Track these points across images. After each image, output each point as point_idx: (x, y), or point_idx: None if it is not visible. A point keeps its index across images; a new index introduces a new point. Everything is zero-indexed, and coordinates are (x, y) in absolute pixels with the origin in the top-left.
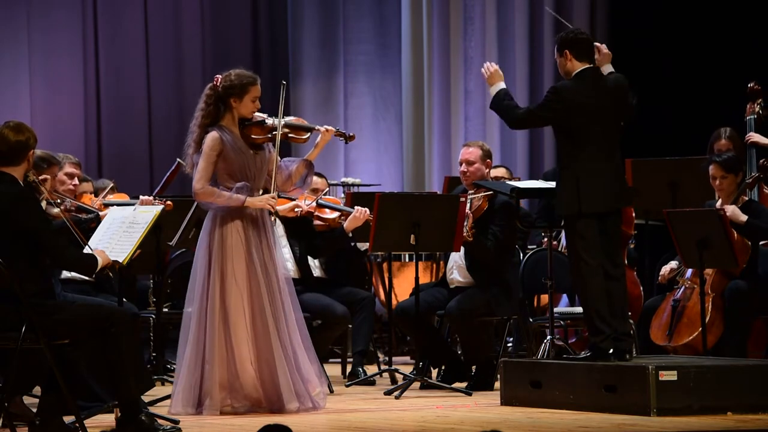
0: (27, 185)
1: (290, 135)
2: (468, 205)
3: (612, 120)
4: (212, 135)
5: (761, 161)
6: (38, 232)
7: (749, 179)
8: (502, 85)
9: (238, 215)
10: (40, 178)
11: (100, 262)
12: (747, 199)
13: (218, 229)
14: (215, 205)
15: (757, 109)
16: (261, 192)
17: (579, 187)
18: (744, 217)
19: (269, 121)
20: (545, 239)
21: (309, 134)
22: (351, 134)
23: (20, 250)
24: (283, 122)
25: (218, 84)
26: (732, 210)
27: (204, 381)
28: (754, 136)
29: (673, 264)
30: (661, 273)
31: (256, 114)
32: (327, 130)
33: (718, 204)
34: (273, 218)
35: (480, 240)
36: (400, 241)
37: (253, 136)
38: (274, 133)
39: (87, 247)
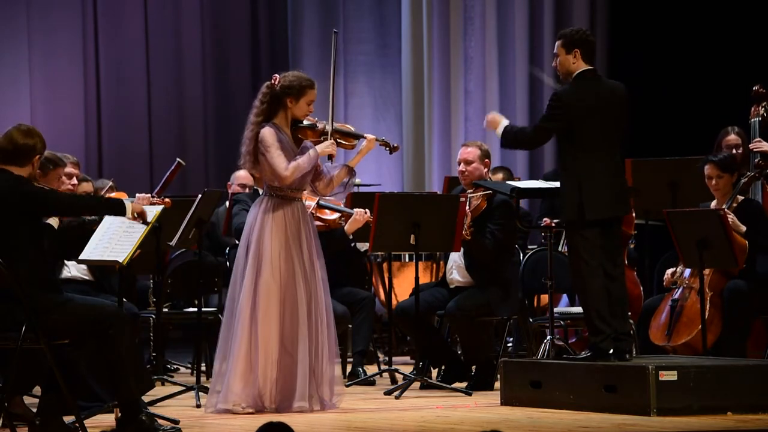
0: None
1: (340, 141)
2: (467, 204)
3: (611, 121)
4: (268, 129)
5: (756, 160)
6: (49, 197)
7: (745, 178)
8: (504, 123)
9: (281, 213)
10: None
11: (129, 206)
12: (743, 198)
13: (259, 226)
14: (304, 173)
15: (761, 112)
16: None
17: (581, 193)
18: (743, 228)
19: (320, 125)
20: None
21: (357, 141)
22: (395, 144)
23: (26, 239)
24: (333, 127)
25: (276, 83)
26: (732, 221)
27: (226, 375)
28: (764, 146)
29: (679, 268)
30: (665, 277)
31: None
32: (371, 140)
33: (713, 204)
34: (331, 162)
35: (478, 239)
36: (400, 241)
37: (306, 139)
38: (324, 137)
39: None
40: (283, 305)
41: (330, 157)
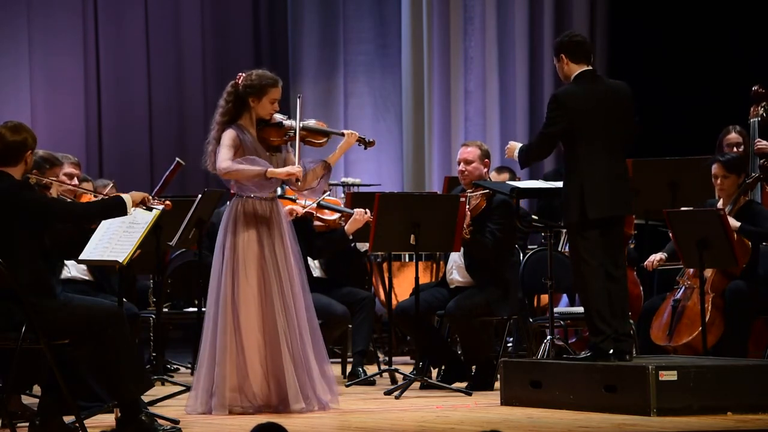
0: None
1: (307, 138)
2: (467, 204)
3: (613, 121)
4: (230, 131)
5: (761, 161)
6: (49, 205)
7: (750, 179)
8: (519, 146)
9: (252, 215)
10: (44, 182)
11: (129, 200)
12: (747, 199)
13: (231, 230)
14: (237, 181)
15: (760, 112)
16: (276, 191)
17: (583, 193)
18: (737, 224)
19: (287, 123)
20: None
21: (326, 139)
22: (371, 140)
23: (25, 242)
24: (301, 125)
25: (239, 82)
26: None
27: (214, 381)
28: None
29: (662, 255)
30: (649, 260)
31: (275, 115)
32: (351, 134)
33: (719, 204)
34: (298, 183)
35: (477, 238)
36: (400, 241)
37: (270, 139)
38: (290, 134)
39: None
40: (262, 308)
41: (297, 179)
